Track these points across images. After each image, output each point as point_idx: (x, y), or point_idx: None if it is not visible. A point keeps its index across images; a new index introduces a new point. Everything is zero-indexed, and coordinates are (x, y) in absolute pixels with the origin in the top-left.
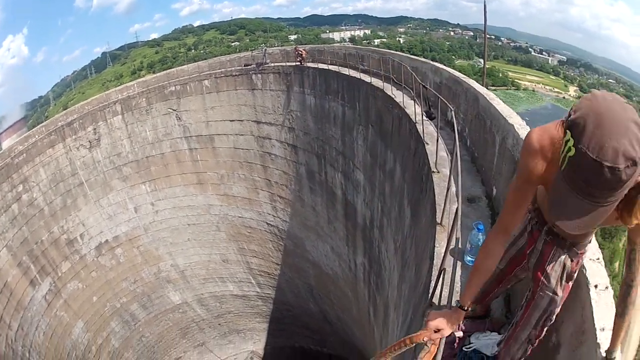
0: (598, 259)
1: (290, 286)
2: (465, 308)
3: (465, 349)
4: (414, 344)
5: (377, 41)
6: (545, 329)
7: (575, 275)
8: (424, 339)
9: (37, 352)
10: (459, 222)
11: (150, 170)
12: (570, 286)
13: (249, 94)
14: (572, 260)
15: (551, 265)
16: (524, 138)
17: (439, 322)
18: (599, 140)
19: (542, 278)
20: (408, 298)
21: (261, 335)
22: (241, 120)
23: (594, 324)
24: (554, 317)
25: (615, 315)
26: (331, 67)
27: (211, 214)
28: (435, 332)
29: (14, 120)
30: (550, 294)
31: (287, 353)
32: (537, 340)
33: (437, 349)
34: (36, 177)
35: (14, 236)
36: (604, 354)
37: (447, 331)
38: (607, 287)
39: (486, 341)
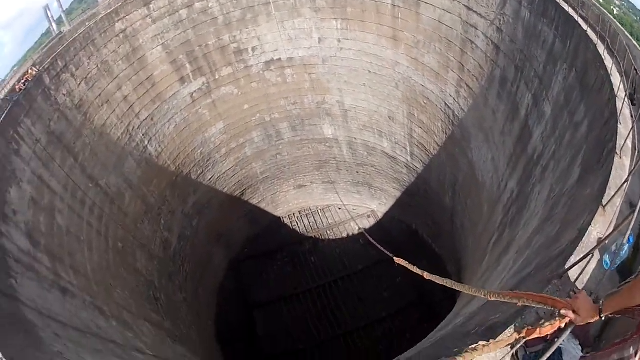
0: None
1: (438, 171)
2: (602, 316)
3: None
4: (547, 307)
5: None
6: None
7: None
8: (563, 312)
9: (159, 141)
10: (631, 225)
11: (346, 10)
12: None
13: None
14: None
15: None
16: None
17: (583, 307)
18: None
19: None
20: (537, 252)
21: (388, 201)
22: (452, 0)
23: None
24: None
25: None
26: None
27: (395, 71)
28: (573, 312)
29: None
30: (633, 351)
31: (400, 229)
32: None
33: (562, 330)
34: None
35: (174, 37)
36: None
37: (580, 319)
38: None
39: (572, 349)
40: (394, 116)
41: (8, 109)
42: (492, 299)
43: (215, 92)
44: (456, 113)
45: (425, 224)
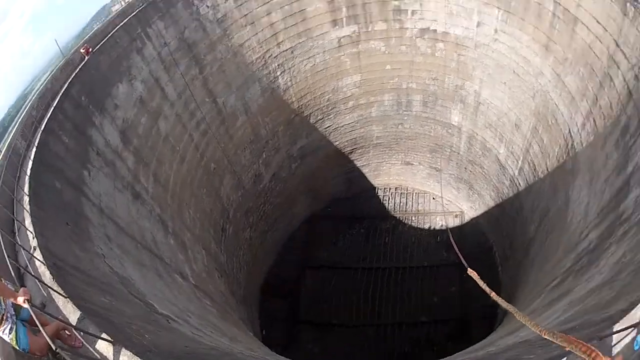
0: None
1: (536, 195)
2: None
3: None
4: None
5: None
6: None
7: None
8: None
9: (291, 75)
10: None
11: (509, 3)
12: None
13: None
14: None
15: None
16: None
17: None
18: None
19: None
20: (587, 310)
21: (480, 208)
22: (605, 29)
23: None
24: None
25: None
26: None
27: (537, 80)
28: None
29: None
30: None
31: (478, 239)
32: None
33: None
34: None
35: None
36: None
37: None
38: None
39: None
40: (520, 125)
41: (141, 7)
42: (545, 336)
43: (363, 44)
44: (575, 144)
45: (502, 245)
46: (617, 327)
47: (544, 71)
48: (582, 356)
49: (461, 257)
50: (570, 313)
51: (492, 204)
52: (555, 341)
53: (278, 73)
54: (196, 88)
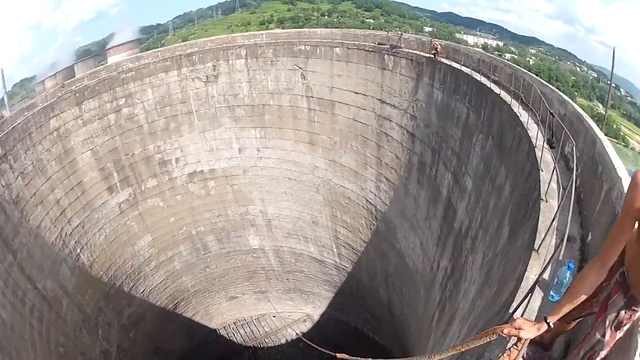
0: None
1: (368, 266)
2: (549, 323)
3: None
4: (496, 336)
5: (507, 55)
6: None
7: (626, 327)
8: (505, 332)
9: (90, 251)
10: (560, 254)
11: (263, 118)
12: (617, 336)
13: (379, 72)
14: (625, 312)
15: (611, 306)
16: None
17: (523, 323)
18: None
19: (601, 316)
20: (480, 314)
21: (322, 303)
22: (365, 95)
23: None
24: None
25: None
26: (463, 69)
27: (314, 175)
28: (516, 329)
29: (126, 40)
30: (599, 335)
31: (339, 328)
32: None
33: (518, 353)
34: (142, 96)
35: (103, 143)
36: None
37: (527, 333)
38: None
39: None
40: (317, 220)
41: None
42: (436, 358)
43: (142, 204)
44: (378, 208)
45: (364, 319)
46: (515, 304)
47: (317, 164)
48: (482, 343)
49: (323, 349)
50: (466, 327)
51: (331, 295)
52: (449, 354)
53: (78, 250)
54: (16, 275)
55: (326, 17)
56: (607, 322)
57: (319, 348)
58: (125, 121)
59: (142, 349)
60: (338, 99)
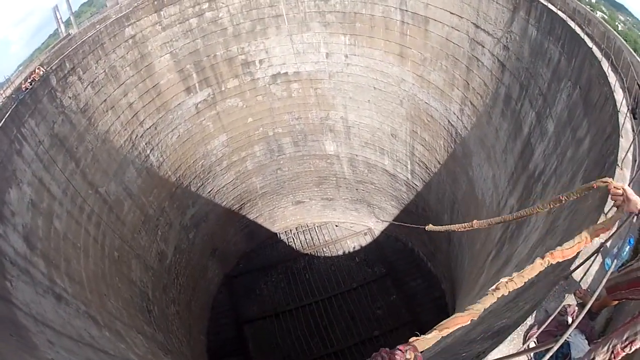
0: None
1: (438, 189)
2: None
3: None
4: (599, 185)
5: (598, 14)
6: (629, 348)
7: None
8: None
9: (161, 151)
10: (628, 229)
11: (354, 26)
12: None
13: None
14: None
15: None
16: None
17: (631, 194)
18: None
19: None
20: (532, 255)
21: (387, 218)
22: (460, 17)
23: None
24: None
25: None
26: (559, 13)
27: (400, 88)
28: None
29: None
30: None
31: (397, 247)
32: (617, 355)
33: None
34: (227, 0)
35: (183, 45)
36: None
37: (628, 206)
38: None
39: (580, 342)
40: (396, 133)
41: (13, 106)
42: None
43: (220, 104)
44: (459, 131)
45: (422, 242)
46: (577, 263)
47: (404, 78)
48: (588, 192)
49: (405, 224)
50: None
51: (396, 211)
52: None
53: (148, 151)
54: (77, 182)
55: None
56: None
57: (398, 223)
58: (208, 24)
59: (201, 249)
60: (432, 16)
